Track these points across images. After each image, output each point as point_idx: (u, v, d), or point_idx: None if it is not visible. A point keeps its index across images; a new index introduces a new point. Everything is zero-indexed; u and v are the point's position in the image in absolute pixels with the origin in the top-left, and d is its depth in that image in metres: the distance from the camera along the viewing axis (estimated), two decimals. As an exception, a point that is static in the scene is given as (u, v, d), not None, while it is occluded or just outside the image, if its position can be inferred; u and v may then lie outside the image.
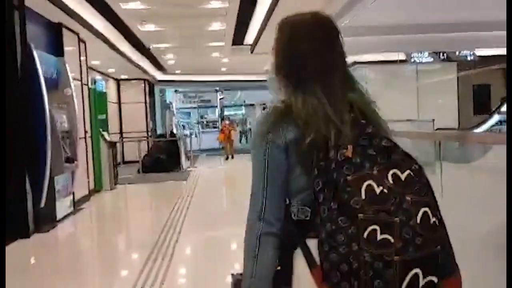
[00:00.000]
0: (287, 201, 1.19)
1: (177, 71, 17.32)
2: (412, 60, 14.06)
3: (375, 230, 0.99)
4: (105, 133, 9.73)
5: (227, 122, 16.90)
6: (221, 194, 10.36)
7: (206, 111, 39.29)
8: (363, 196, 1.02)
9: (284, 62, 1.22)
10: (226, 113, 24.23)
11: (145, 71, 14.27)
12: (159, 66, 15.52)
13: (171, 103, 20.81)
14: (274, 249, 1.15)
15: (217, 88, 21.32)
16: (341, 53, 1.23)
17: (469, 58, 14.18)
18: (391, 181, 1.04)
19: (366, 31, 9.87)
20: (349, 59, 1.31)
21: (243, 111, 39.10)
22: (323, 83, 1.17)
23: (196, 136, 22.13)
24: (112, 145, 9.81)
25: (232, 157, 15.65)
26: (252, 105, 38.26)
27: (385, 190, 1.03)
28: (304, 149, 1.12)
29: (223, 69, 17.16)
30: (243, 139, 22.70)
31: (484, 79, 15.26)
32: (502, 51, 14.73)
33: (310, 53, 1.19)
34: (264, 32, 10.21)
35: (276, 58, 1.24)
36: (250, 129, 22.97)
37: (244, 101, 35.66)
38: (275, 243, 1.15)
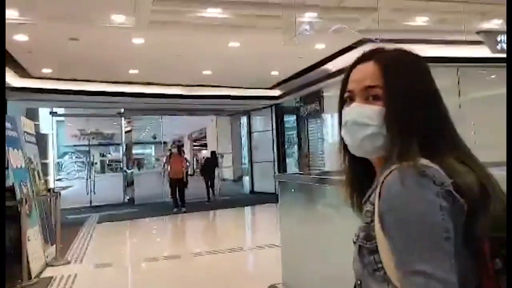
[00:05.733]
0: None
1: (44, 70, 9.59)
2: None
3: None
4: None
5: None
6: None
7: (107, 148, 30.33)
8: None
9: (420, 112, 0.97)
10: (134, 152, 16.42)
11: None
12: (12, 61, 8.01)
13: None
14: None
15: (122, 111, 13.66)
16: None
17: None
18: None
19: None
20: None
21: (152, 151, 30.16)
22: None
23: (90, 182, 14.07)
24: None
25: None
26: (165, 143, 29.81)
27: None
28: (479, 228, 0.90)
29: (132, 71, 9.92)
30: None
31: None
32: None
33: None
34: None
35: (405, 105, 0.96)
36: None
37: (155, 137, 27.35)
38: None
